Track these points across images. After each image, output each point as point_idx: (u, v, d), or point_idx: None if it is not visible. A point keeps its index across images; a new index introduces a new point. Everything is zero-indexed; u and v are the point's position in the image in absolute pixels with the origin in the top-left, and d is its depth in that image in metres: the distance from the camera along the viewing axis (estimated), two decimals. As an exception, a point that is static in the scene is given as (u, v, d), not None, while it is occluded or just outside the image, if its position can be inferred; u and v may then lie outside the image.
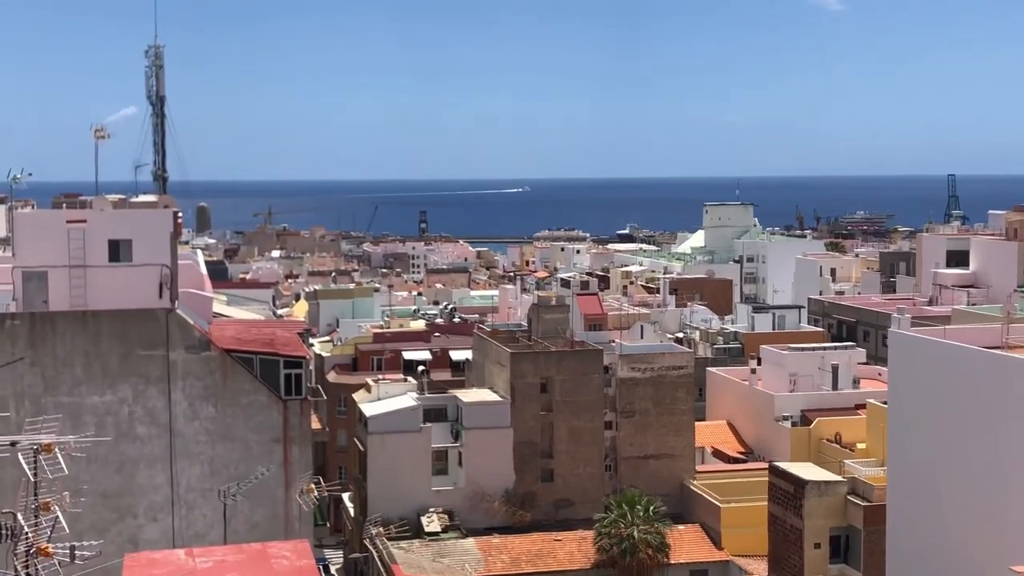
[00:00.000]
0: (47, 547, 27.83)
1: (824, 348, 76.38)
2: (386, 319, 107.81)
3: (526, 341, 69.40)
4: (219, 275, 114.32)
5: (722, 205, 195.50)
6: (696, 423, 69.35)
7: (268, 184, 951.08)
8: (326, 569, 70.02)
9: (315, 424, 69.14)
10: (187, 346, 47.86)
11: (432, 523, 60.61)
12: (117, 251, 48.30)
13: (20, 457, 30.09)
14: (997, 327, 44.91)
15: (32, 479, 29.73)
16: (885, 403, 52.37)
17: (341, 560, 72.13)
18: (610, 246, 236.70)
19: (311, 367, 60.59)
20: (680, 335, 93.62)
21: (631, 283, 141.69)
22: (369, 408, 64.45)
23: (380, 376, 75.11)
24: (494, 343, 67.97)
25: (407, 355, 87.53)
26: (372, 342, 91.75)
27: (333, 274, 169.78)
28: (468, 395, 66.03)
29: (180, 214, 52.99)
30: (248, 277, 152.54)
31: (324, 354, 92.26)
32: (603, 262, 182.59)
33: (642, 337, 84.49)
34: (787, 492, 53.53)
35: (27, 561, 27.68)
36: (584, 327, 77.73)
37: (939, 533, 42.58)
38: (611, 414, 66.32)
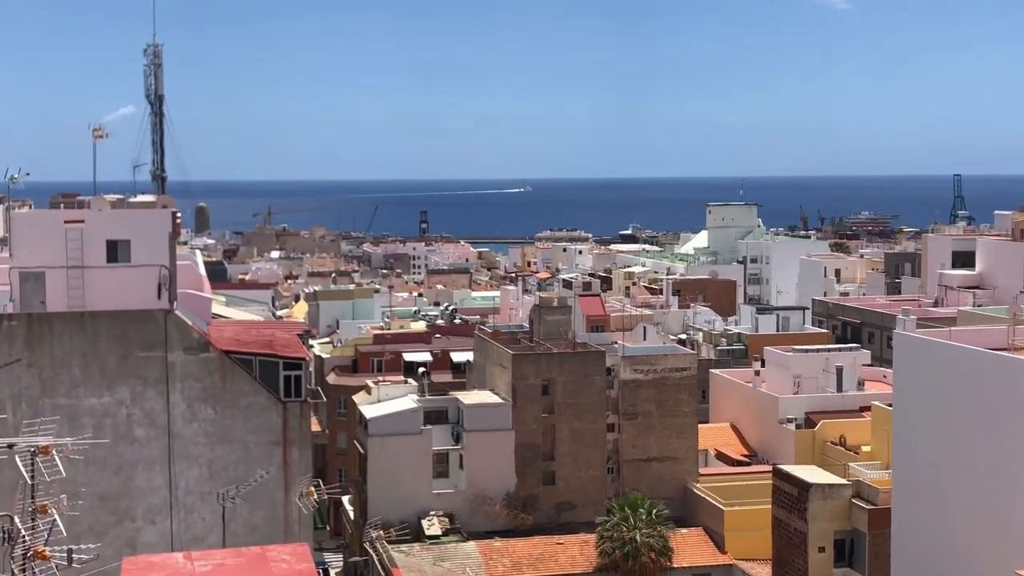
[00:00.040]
0: (44, 550, 27.82)
1: (828, 350, 76.29)
2: (386, 320, 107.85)
3: (528, 342, 69.40)
4: (218, 276, 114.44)
5: (726, 205, 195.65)
6: (699, 425, 69.36)
7: (267, 184, 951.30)
8: (326, 573, 70.06)
9: (315, 426, 69.13)
10: (186, 347, 47.86)
11: (433, 526, 60.62)
12: (115, 251, 48.30)
13: (17, 459, 30.08)
14: (1003, 328, 44.88)
15: (29, 481, 29.72)
16: (890, 405, 52.31)
17: (341, 564, 72.11)
18: (612, 247, 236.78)
19: (311, 369, 60.58)
20: (683, 336, 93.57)
21: (634, 284, 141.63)
22: (369, 410, 64.46)
23: (380, 378, 75.12)
24: (495, 344, 67.97)
25: (408, 357, 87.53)
26: (372, 343, 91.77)
27: (333, 275, 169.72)
28: (469, 397, 66.04)
29: (179, 214, 52.97)
30: (247, 278, 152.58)
31: (324, 355, 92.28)
32: (605, 263, 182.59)
33: (645, 339, 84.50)
34: (791, 495, 53.53)
35: (24, 565, 27.68)
36: (586, 328, 77.76)
37: (944, 536, 42.57)
38: (613, 416, 66.33)
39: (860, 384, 72.98)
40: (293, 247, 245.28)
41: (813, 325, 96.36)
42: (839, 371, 71.82)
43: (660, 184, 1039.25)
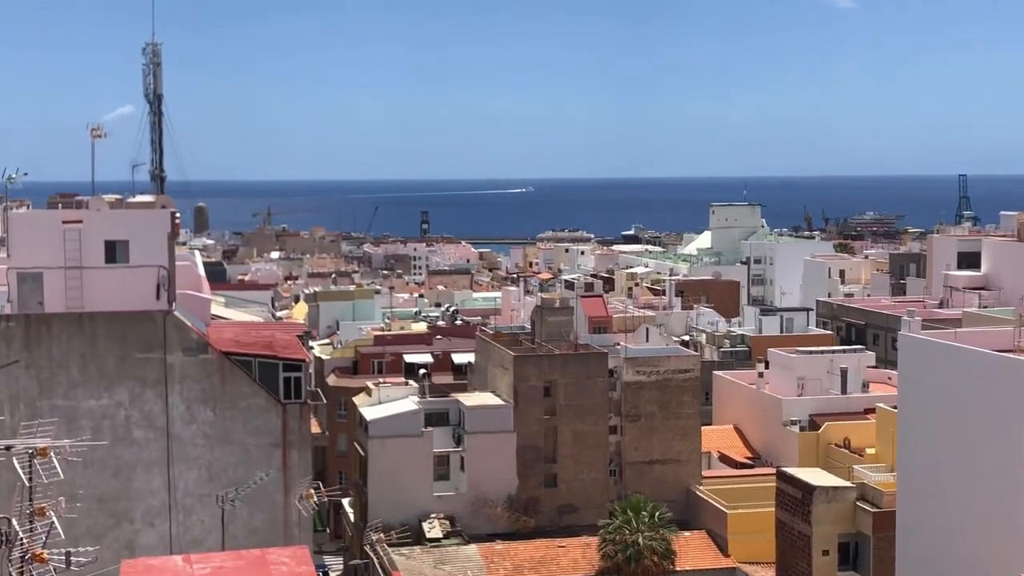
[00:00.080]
0: (42, 553, 27.85)
1: (833, 351, 76.24)
2: (387, 321, 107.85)
3: (529, 344, 69.40)
4: (217, 276, 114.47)
5: (729, 206, 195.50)
6: (702, 427, 69.34)
7: (267, 184, 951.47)
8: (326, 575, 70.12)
9: (315, 428, 69.18)
10: (185, 348, 47.91)
11: (433, 529, 60.62)
12: (114, 252, 48.36)
13: (15, 461, 30.11)
14: (1009, 330, 44.88)
15: (27, 484, 29.76)
16: (895, 407, 52.31)
17: (341, 567, 72.16)
18: (615, 247, 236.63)
19: (311, 370, 60.64)
20: (686, 338, 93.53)
21: (636, 285, 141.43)
22: (369, 412, 64.47)
23: (381, 379, 75.14)
24: (497, 346, 67.97)
25: (408, 358, 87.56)
26: (373, 345, 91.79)
27: (333, 275, 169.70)
28: (470, 399, 66.04)
29: (178, 214, 53.05)
30: (247, 278, 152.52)
31: (324, 357, 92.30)
32: (608, 263, 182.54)
33: (647, 340, 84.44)
34: (795, 498, 53.51)
35: (22, 567, 27.71)
36: (588, 330, 77.75)
37: (949, 539, 42.56)
38: (616, 418, 66.32)
39: (864, 386, 72.95)
40: (293, 247, 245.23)
41: (817, 326, 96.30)
42: (843, 373, 71.80)
43: (663, 184, 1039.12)
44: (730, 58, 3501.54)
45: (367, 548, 60.08)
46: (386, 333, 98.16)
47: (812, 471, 57.18)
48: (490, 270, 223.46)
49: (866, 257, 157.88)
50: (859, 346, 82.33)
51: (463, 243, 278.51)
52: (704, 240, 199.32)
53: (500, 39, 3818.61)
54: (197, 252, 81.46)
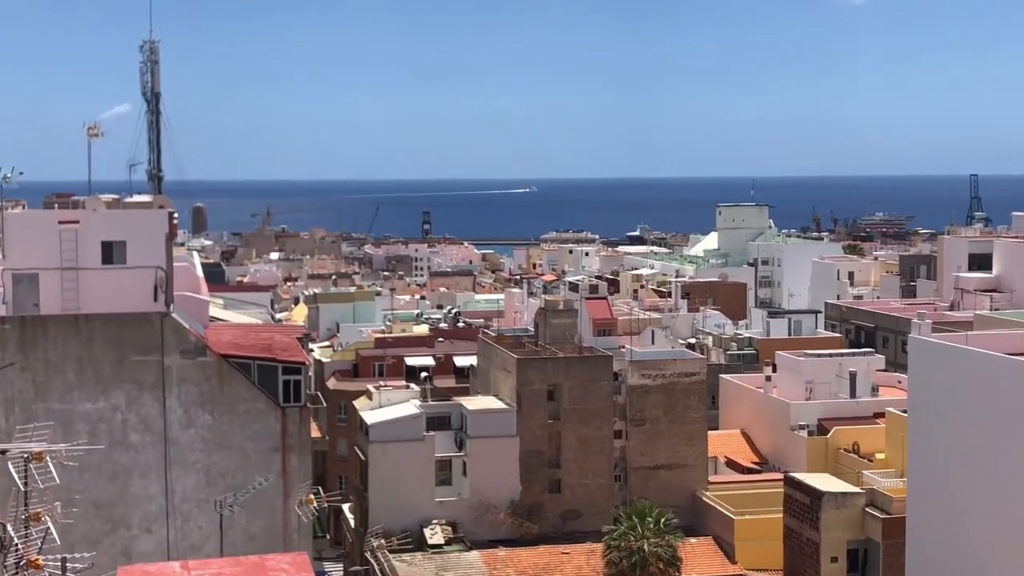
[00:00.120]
0: (38, 559, 27.87)
1: (842, 355, 76.24)
2: (388, 324, 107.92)
3: (533, 347, 69.38)
4: (216, 278, 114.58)
5: (736, 206, 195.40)
6: (709, 432, 69.28)
7: (266, 184, 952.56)
8: (325, 582, 70.09)
9: (314, 432, 69.04)
10: (182, 351, 47.94)
11: (435, 535, 60.61)
12: (110, 253, 48.39)
13: (10, 466, 30.15)
14: (1021, 333, 44.87)
15: (22, 488, 29.79)
16: (905, 412, 52.28)
17: (341, 573, 72.14)
18: (620, 248, 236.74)
19: (310, 373, 60.66)
20: (692, 341, 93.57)
21: (642, 287, 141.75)
22: (370, 416, 64.48)
23: (382, 383, 75.19)
24: (500, 349, 67.96)
25: (410, 361, 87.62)
26: (373, 347, 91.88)
27: (333, 277, 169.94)
28: (473, 403, 66.04)
29: (176, 214, 53.10)
30: (246, 280, 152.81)
31: (324, 360, 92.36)
32: (613, 265, 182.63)
33: (653, 343, 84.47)
34: (803, 504, 53.48)
35: (17, 573, 27.73)
36: (593, 332, 77.74)
37: (961, 546, 42.50)
38: (621, 423, 66.27)
39: (874, 390, 72.91)
40: (293, 248, 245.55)
41: (826, 329, 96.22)
42: (852, 376, 71.74)
43: (668, 184, 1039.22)
44: (737, 56, 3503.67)
45: (367, 554, 60.08)
46: (387, 335, 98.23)
47: (820, 476, 57.15)
48: (493, 271, 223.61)
49: (876, 259, 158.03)
50: (868, 349, 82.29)
51: (465, 244, 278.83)
52: (711, 241, 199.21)
53: (502, 38, 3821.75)
54: (195, 253, 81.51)
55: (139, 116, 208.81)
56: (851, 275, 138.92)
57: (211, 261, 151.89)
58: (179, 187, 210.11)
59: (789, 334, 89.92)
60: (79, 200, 55.29)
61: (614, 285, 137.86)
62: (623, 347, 72.11)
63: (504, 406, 64.52)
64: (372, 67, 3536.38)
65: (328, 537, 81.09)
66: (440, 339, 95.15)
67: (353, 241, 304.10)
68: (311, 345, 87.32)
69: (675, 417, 66.39)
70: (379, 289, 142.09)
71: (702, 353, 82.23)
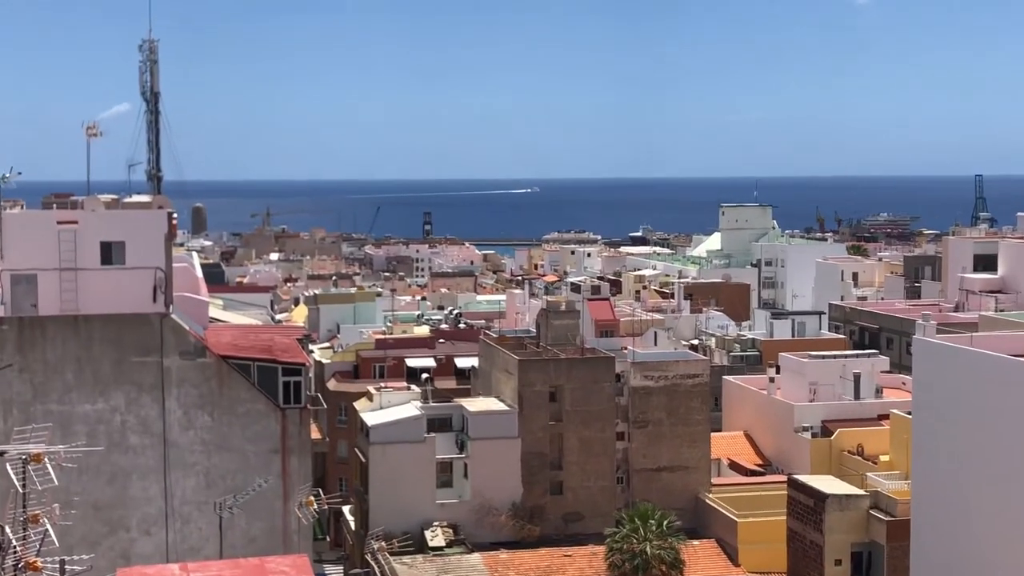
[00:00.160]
0: (36, 561, 27.90)
1: (846, 356, 76.27)
2: (389, 325, 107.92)
3: (534, 348, 69.41)
4: (215, 278, 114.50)
5: (739, 206, 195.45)
6: (712, 434, 69.30)
7: (266, 184, 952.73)
8: (326, 585, 70.10)
9: (315, 434, 68.90)
10: (182, 352, 47.95)
11: (436, 537, 60.63)
12: (109, 253, 48.39)
13: (8, 467, 30.20)
14: (1026, 334, 44.83)
15: (21, 490, 29.83)
16: (909, 413, 52.28)
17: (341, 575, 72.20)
18: (622, 249, 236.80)
19: (311, 375, 60.66)
20: (695, 342, 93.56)
21: (644, 288, 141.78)
22: (371, 417, 64.51)
23: (382, 384, 75.18)
24: (501, 350, 67.99)
25: (410, 362, 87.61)
26: (374, 349, 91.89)
27: (334, 278, 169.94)
28: (474, 404, 66.06)
29: (175, 215, 53.04)
30: (245, 281, 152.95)
31: (324, 361, 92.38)
32: (615, 266, 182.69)
33: (656, 344, 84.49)
34: (807, 506, 53.48)
35: (15, 576, 27.76)
36: (595, 333, 77.78)
37: (966, 549, 42.49)
38: (623, 424, 66.29)
39: (878, 391, 72.91)
40: (293, 249, 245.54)
41: (830, 330, 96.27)
42: (856, 378, 71.76)
43: (671, 184, 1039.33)
44: (740, 55, 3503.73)
45: (368, 557, 60.10)
46: (388, 337, 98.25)
47: (824, 479, 57.16)
48: (494, 272, 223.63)
49: (880, 259, 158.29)
50: (872, 350, 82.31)
51: (467, 244, 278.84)
52: (714, 242, 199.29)
53: (503, 38, 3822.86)
54: (195, 253, 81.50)
55: (138, 116, 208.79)
56: (855, 276, 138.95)
57: (210, 262, 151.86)
58: (178, 187, 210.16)
59: (793, 335, 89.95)
60: (78, 200, 55.20)
61: (616, 286, 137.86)
62: (625, 348, 72.13)
63: (505, 408, 64.53)
64: (372, 67, 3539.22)
65: (328, 539, 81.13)
66: (441, 340, 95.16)
67: (353, 242, 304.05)
68: (311, 346, 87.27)
69: (678, 419, 66.40)
70: (380, 290, 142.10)
71: (705, 354, 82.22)
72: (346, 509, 71.30)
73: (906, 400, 61.02)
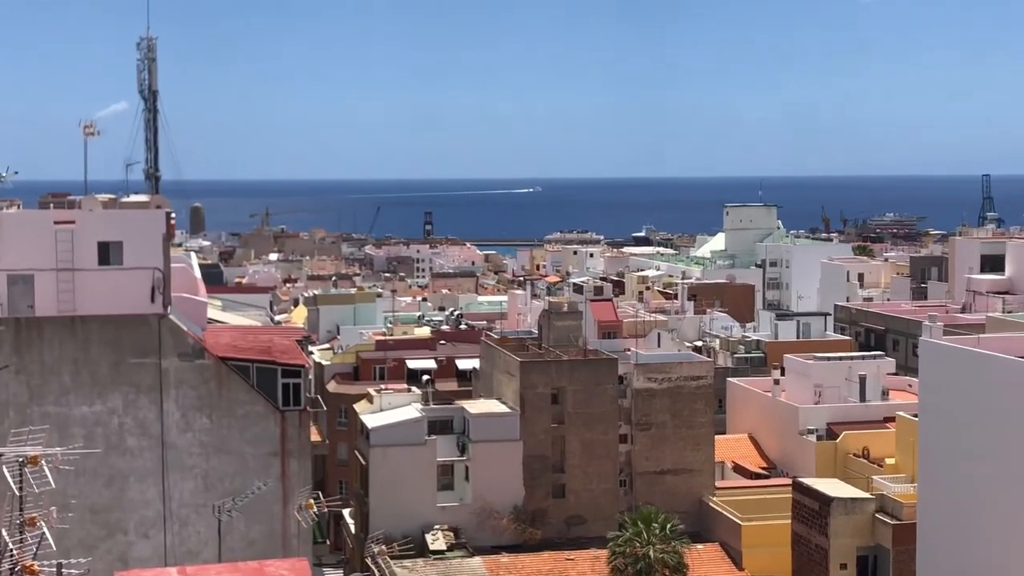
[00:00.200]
0: (33, 565, 27.91)
1: (851, 358, 76.21)
2: (389, 326, 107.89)
3: (536, 349, 69.44)
4: (214, 279, 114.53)
5: (744, 206, 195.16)
6: (716, 436, 69.33)
7: (265, 184, 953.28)
8: (325, 589, 70.11)
9: (314, 436, 69.18)
10: (180, 354, 47.97)
11: (437, 541, 60.65)
12: (107, 253, 48.40)
13: (5, 470, 30.20)
14: (1034, 336, 44.82)
15: (17, 493, 29.85)
16: (915, 416, 52.25)
17: (341, 579, 72.17)
18: (625, 249, 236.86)
19: (310, 376, 60.62)
20: (699, 344, 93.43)
21: (647, 288, 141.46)
22: (371, 419, 64.52)
23: (383, 386, 75.14)
24: (503, 351, 68.01)
25: (411, 364, 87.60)
26: (374, 350, 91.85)
27: (333, 278, 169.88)
28: (475, 406, 66.08)
29: (173, 215, 53.00)
30: (244, 281, 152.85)
31: (324, 362, 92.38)
32: (618, 266, 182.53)
33: (659, 346, 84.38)
34: (812, 510, 53.47)
35: (12, 579, 27.77)
36: (598, 335, 77.70)
37: (972, 553, 42.48)
38: (626, 427, 66.31)
39: (884, 394, 72.88)
40: (292, 249, 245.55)
41: (835, 332, 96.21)
42: (862, 380, 71.72)
43: (675, 184, 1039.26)
44: (745, 54, 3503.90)
45: (368, 560, 60.12)
46: (388, 338, 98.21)
47: (829, 482, 57.15)
48: (496, 273, 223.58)
49: (886, 260, 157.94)
50: (878, 352, 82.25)
51: (468, 245, 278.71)
52: (718, 242, 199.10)
53: (505, 37, 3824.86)
54: (193, 254, 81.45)
55: (136, 114, 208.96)
56: (861, 277, 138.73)
57: (209, 262, 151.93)
58: (177, 187, 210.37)
59: (798, 337, 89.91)
60: (75, 200, 55.15)
61: (619, 287, 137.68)
62: (628, 350, 72.11)
63: (507, 410, 64.55)
64: (372, 66, 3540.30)
65: (328, 543, 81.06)
66: (442, 341, 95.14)
67: (353, 242, 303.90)
68: (311, 347, 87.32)
69: (681, 421, 66.42)
70: (380, 291, 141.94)
71: (709, 356, 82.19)
72: (346, 512, 71.31)
73: (912, 402, 60.98)
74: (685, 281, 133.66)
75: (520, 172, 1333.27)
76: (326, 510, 50.37)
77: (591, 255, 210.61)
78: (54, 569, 28.35)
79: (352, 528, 68.99)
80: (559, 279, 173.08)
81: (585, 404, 64.21)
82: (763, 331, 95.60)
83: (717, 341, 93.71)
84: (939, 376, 44.85)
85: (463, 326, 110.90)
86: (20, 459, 30.04)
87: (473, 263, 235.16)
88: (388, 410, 65.98)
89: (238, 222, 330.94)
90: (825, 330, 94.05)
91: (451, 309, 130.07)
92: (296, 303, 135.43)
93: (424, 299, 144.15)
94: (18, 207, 57.85)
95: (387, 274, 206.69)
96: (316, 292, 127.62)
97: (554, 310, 73.67)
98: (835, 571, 51.88)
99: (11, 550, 28.17)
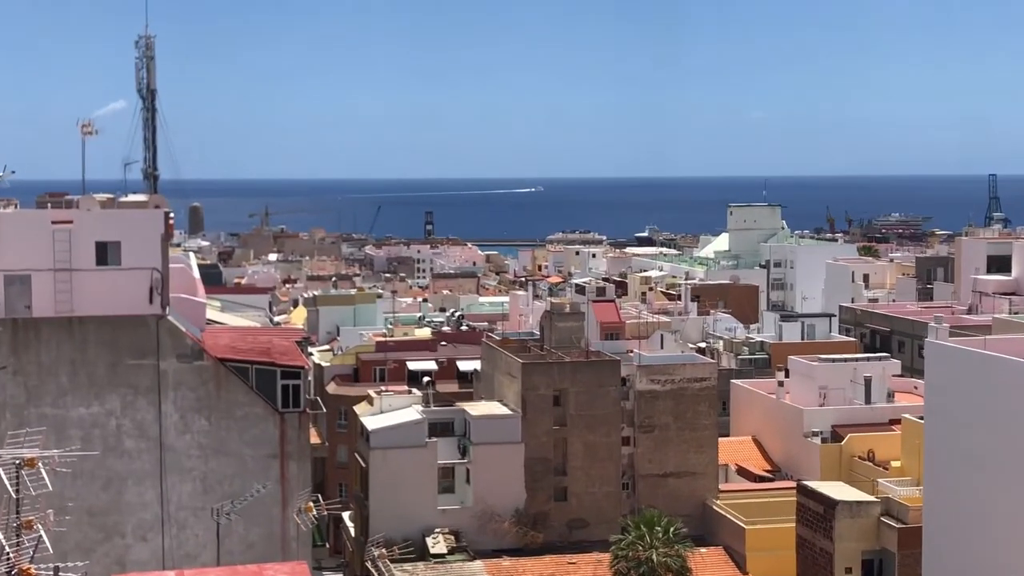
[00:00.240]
0: (30, 568, 27.91)
1: (856, 359, 76.22)
2: (389, 327, 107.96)
3: (538, 351, 69.42)
4: (213, 279, 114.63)
5: (748, 206, 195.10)
6: (719, 439, 69.27)
7: (265, 183, 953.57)
8: (325, 592, 70.13)
9: (314, 438, 69.23)
10: (179, 355, 47.98)
11: (438, 544, 60.65)
12: (105, 253, 48.40)
13: (1, 472, 30.18)
14: (1041, 337, 44.81)
15: (14, 496, 29.84)
16: (921, 418, 52.25)
17: (341, 583, 72.19)
18: (628, 250, 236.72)
19: (310, 378, 60.69)
20: (702, 345, 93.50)
21: (650, 289, 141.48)
22: (371, 421, 64.52)
23: (383, 387, 75.19)
24: (504, 353, 68.00)
25: (412, 365, 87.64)
26: (374, 351, 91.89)
27: (333, 279, 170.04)
28: (476, 408, 66.07)
29: (171, 214, 53.06)
30: (243, 282, 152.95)
31: (324, 364, 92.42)
32: (620, 267, 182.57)
33: (662, 347, 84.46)
34: (816, 513, 53.47)
35: (9, 583, 27.77)
36: (600, 336, 77.83)
37: (979, 557, 42.47)
38: (629, 429, 66.28)
39: (890, 396, 72.87)
40: (292, 249, 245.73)
41: (840, 333, 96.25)
42: (867, 382, 71.72)
43: (678, 184, 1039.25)
44: (748, 54, 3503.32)
45: (368, 564, 60.12)
46: (388, 339, 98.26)
47: (834, 485, 57.15)
48: (497, 273, 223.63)
49: (891, 260, 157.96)
50: (884, 354, 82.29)
51: (469, 245, 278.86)
52: (721, 242, 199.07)
53: (506, 35, 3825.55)
54: (192, 254, 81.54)
55: (134, 113, 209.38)
56: (866, 277, 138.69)
57: (208, 262, 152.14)
58: (175, 186, 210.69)
59: (802, 338, 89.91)
60: (73, 199, 55.20)
61: (622, 287, 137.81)
62: (631, 351, 72.10)
63: (509, 412, 64.55)
64: (372, 65, 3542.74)
65: (328, 546, 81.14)
66: (443, 343, 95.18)
67: (354, 242, 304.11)
68: (310, 349, 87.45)
69: (684, 423, 66.38)
70: (380, 291, 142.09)
71: (712, 358, 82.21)
72: (346, 515, 71.32)
73: (918, 404, 61.00)
74: (688, 282, 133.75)
75: (522, 172, 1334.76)
76: (326, 513, 50.30)
77: (593, 255, 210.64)
78: (51, 573, 28.33)
79: (352, 531, 69.00)
80: (561, 280, 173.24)
81: (587, 406, 64.19)
82: (767, 332, 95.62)
83: (721, 342, 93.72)
84: (945, 378, 44.85)
85: (464, 327, 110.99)
86: (17, 461, 30.04)
87: (474, 263, 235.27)
88: (388, 412, 65.98)
89: (237, 222, 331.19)
90: (830, 331, 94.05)
91: (452, 310, 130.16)
92: (296, 304, 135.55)
93: (425, 300, 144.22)
94: (15, 207, 57.88)
95: (387, 275, 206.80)
96: (316, 293, 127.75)
97: (556, 311, 73.69)
98: (840, 575, 51.85)
99: (8, 553, 28.16)
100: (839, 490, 55.03)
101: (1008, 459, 41.05)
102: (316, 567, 69.43)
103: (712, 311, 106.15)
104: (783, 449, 72.40)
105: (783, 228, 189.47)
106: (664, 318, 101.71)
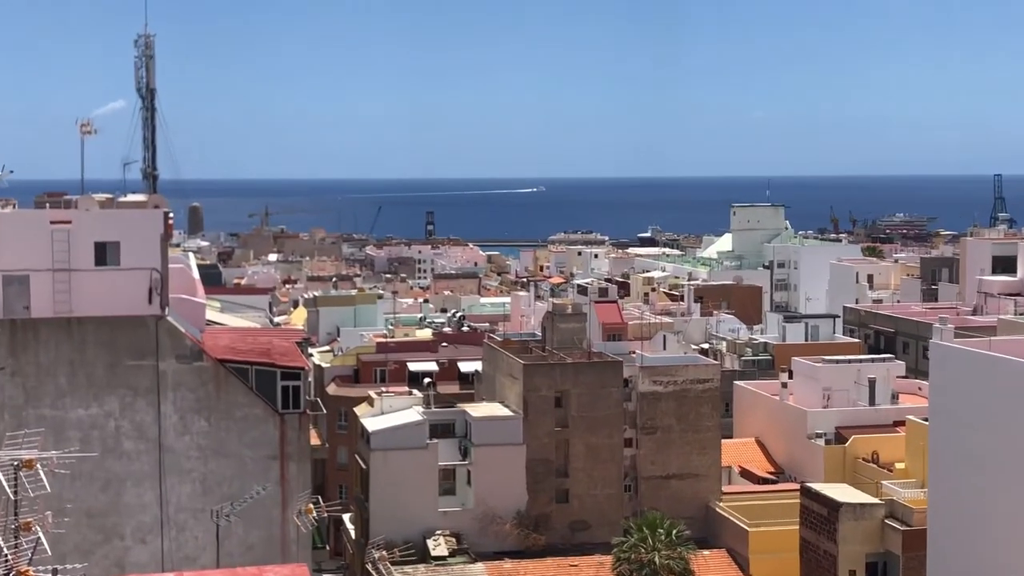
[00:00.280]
0: (28, 570, 27.92)
1: (860, 361, 76.21)
2: (390, 328, 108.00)
3: (540, 352, 69.43)
4: (212, 280, 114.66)
5: (751, 206, 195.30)
6: (722, 441, 69.25)
7: (265, 183, 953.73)
8: (325, 595, 70.13)
9: (314, 440, 69.29)
10: (178, 355, 47.99)
11: (439, 546, 60.65)
12: (104, 254, 48.41)
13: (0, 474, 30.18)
14: (1047, 339, 44.78)
15: (12, 497, 29.84)
16: (926, 420, 52.22)
17: (341, 585, 72.19)
18: (630, 250, 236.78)
19: (310, 379, 60.69)
20: (705, 346, 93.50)
21: (653, 290, 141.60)
22: (371, 423, 64.53)
23: (383, 389, 75.21)
24: (505, 354, 68.00)
25: (412, 366, 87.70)
26: (375, 352, 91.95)
27: (334, 279, 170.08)
28: (477, 409, 66.08)
29: (171, 215, 53.07)
30: (243, 282, 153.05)
31: (324, 365, 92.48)
32: (623, 267, 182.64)
33: (665, 348, 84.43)
34: (820, 515, 53.44)
35: (7, 585, 27.79)
36: (602, 337, 77.80)
37: (983, 559, 42.45)
38: (631, 431, 66.27)
39: (894, 397, 72.84)
40: (292, 250, 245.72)
41: (844, 334, 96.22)
42: (871, 383, 71.70)
43: (681, 184, 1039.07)
44: (752, 53, 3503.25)
45: (368, 566, 60.12)
46: (389, 340, 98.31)
47: (838, 487, 57.10)
48: (499, 274, 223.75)
49: (896, 261, 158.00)
50: (888, 355, 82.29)
51: (470, 245, 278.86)
52: (725, 243, 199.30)
53: (507, 36, 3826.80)
54: (191, 254, 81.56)
55: (134, 113, 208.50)
56: (870, 278, 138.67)
57: (207, 263, 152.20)
58: (175, 186, 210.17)
59: (806, 339, 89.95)
60: (71, 199, 55.18)
61: (624, 288, 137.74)
62: (633, 352, 72.10)
63: (510, 413, 64.56)
64: (372, 65, 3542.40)
65: (328, 548, 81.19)
66: (444, 344, 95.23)
67: (354, 242, 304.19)
68: (311, 350, 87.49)
69: (687, 425, 66.36)
70: (381, 292, 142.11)
71: (715, 359, 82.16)
72: (346, 517, 71.32)
73: (923, 406, 60.93)
74: (691, 282, 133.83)
75: (523, 172, 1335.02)
76: (326, 515, 50.28)
77: (595, 256, 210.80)
78: (50, 574, 28.36)
79: (352, 533, 69.00)
80: (563, 280, 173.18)
81: (589, 407, 64.19)
82: (771, 333, 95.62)
83: (724, 343, 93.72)
84: (950, 379, 44.83)
85: (465, 328, 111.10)
86: (15, 463, 30.04)
87: (476, 264, 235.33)
88: (389, 413, 65.96)
89: (237, 222, 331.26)
90: (834, 332, 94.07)
91: (453, 311, 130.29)
92: (296, 304, 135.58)
93: (426, 300, 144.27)
94: (14, 207, 57.92)
95: (388, 275, 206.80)
96: (316, 293, 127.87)
97: (558, 312, 73.73)
98: (844, 578, 51.86)
99: (6, 555, 28.17)
100: (843, 492, 55.00)
101: (1013, 461, 41.03)
102: (316, 569, 69.43)
103: (715, 312, 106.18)
104: (786, 451, 72.39)
105: (787, 228, 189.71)
106: (667, 319, 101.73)
